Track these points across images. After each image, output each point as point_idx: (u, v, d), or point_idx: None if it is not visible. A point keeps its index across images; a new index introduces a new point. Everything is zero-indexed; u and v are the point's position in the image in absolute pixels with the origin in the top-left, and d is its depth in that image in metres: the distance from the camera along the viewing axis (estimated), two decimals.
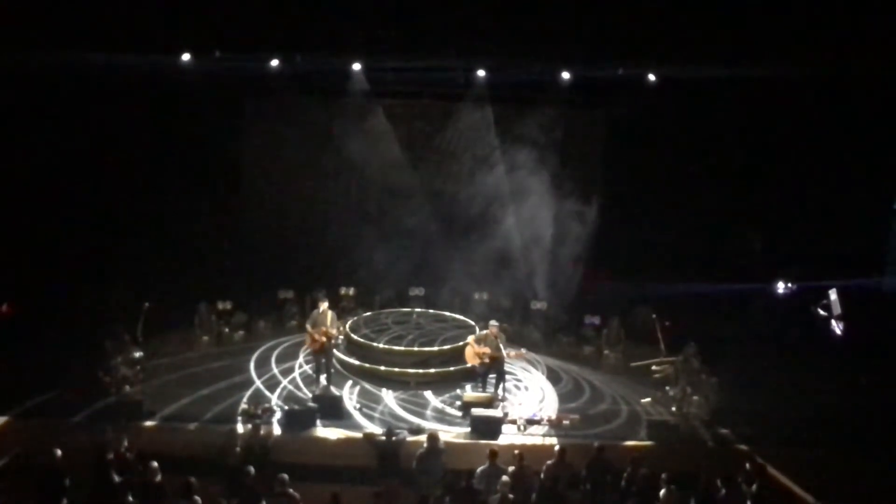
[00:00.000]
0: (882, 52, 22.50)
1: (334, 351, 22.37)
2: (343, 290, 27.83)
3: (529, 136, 28.02)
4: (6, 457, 16.35)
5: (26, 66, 21.94)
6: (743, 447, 19.00)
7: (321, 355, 21.35)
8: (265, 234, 29.48)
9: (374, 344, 23.39)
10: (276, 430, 18.87)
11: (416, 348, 23.45)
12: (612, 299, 26.73)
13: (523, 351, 22.83)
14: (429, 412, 20.75)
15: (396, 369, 22.52)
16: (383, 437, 17.53)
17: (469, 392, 21.29)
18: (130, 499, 14.24)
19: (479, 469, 15.66)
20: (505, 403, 21.02)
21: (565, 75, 26.87)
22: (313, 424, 19.19)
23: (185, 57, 25.21)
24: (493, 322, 21.77)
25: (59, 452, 15.08)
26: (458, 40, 24.52)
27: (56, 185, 24.61)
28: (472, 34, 24.49)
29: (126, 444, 15.97)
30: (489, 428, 19.17)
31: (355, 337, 23.68)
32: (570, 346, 26.59)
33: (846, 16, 22.64)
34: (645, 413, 21.06)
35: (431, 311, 27.29)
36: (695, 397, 20.73)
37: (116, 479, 14.71)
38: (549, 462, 16.03)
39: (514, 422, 19.70)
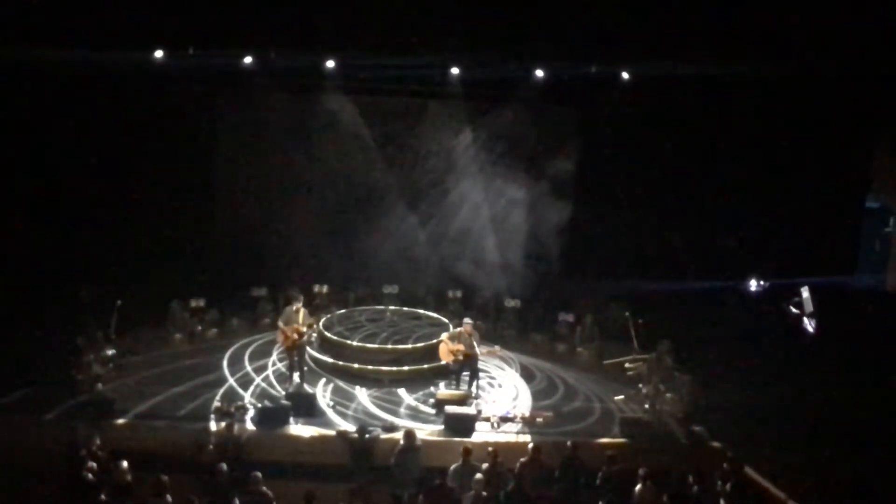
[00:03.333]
0: (854, 51, 22.66)
1: (307, 348, 22.32)
2: (317, 288, 27.75)
3: (503, 133, 28.14)
4: None
5: None
6: (716, 444, 19.08)
7: (293, 353, 21.29)
8: (238, 231, 29.38)
9: (348, 342, 23.34)
10: (250, 427, 18.74)
11: (389, 346, 23.43)
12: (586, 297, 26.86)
13: (497, 348, 22.85)
14: (402, 410, 20.71)
15: (370, 367, 22.48)
16: (357, 435, 17.50)
17: (443, 390, 21.29)
18: (102, 497, 14.17)
19: (453, 467, 15.72)
20: (478, 401, 21.02)
21: (539, 73, 26.87)
22: (287, 422, 19.07)
23: (158, 54, 25.08)
24: (466, 319, 21.84)
25: None
26: (432, 38, 24.50)
27: (27, 182, 24.46)
28: (446, 32, 24.48)
29: (98, 441, 15.94)
30: (463, 425, 19.11)
31: (329, 335, 23.62)
32: (543, 343, 26.63)
33: (818, 15, 22.74)
34: (618, 410, 21.13)
35: (405, 308, 27.25)
36: (668, 395, 20.81)
37: (89, 476, 14.65)
38: (522, 460, 16.09)
39: (487, 419, 19.69)
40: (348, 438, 17.57)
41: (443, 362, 21.71)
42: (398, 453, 16.27)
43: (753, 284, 26.38)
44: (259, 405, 19.63)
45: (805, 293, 22.85)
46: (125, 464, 14.77)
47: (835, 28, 22.68)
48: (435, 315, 26.36)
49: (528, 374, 23.83)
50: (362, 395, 21.46)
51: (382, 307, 27.28)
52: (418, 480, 15.92)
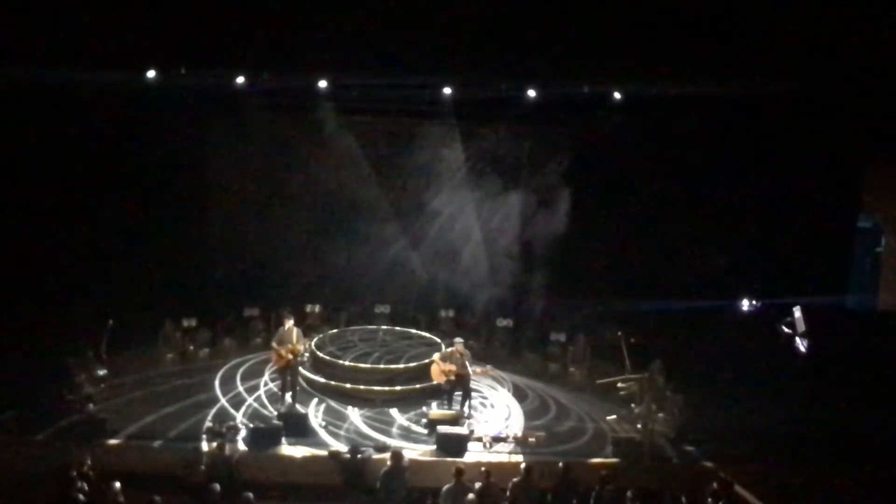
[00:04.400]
0: (845, 72, 22.75)
1: (300, 368, 22.29)
2: (309, 308, 27.67)
3: (496, 153, 28.20)
4: None
5: None
6: (708, 464, 19.07)
7: (287, 373, 21.25)
8: (230, 250, 29.34)
9: (340, 361, 23.31)
10: (242, 447, 18.72)
11: (381, 366, 23.40)
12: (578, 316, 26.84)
13: (488, 368, 22.83)
14: (395, 430, 20.67)
15: (362, 387, 22.41)
16: (349, 455, 17.49)
17: (435, 409, 21.24)
18: None
19: (445, 487, 15.66)
20: (471, 421, 20.97)
21: (531, 93, 26.89)
22: (279, 442, 19.02)
23: (151, 73, 25.08)
24: (458, 339, 21.76)
25: None
26: (424, 58, 24.52)
27: (18, 201, 24.41)
28: (439, 52, 24.51)
29: (90, 462, 15.87)
30: (455, 445, 19.11)
31: (321, 354, 23.58)
32: (535, 363, 26.58)
33: (809, 36, 22.83)
34: (610, 430, 21.09)
35: (397, 328, 27.22)
36: (660, 414, 20.80)
37: (79, 497, 14.61)
38: (515, 480, 16.05)
39: (480, 439, 19.66)
40: (340, 459, 17.58)
41: (435, 382, 21.67)
42: (384, 474, 16.21)
43: (745, 304, 26.41)
44: (251, 425, 19.58)
45: (797, 313, 22.89)
46: (118, 485, 14.72)
47: (826, 49, 22.77)
48: (427, 335, 26.37)
49: (520, 394, 23.77)
50: (354, 415, 21.42)
51: (374, 327, 27.25)
52: (407, 500, 15.90)
